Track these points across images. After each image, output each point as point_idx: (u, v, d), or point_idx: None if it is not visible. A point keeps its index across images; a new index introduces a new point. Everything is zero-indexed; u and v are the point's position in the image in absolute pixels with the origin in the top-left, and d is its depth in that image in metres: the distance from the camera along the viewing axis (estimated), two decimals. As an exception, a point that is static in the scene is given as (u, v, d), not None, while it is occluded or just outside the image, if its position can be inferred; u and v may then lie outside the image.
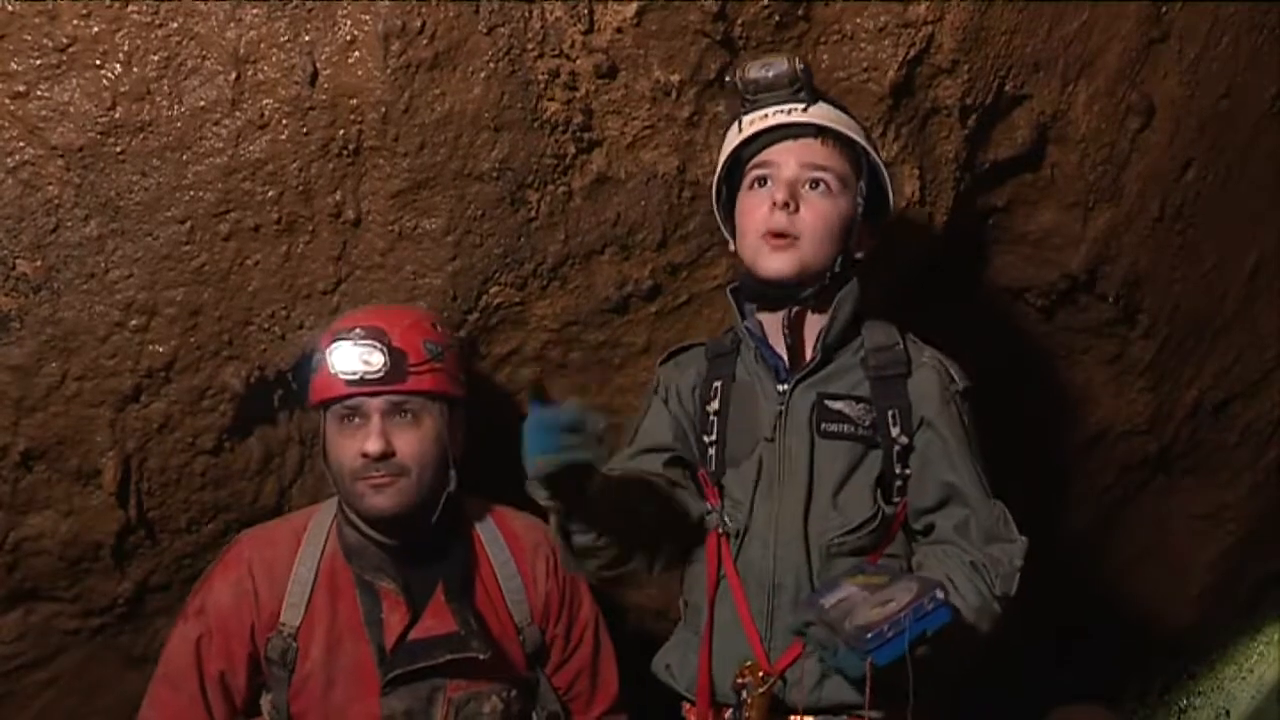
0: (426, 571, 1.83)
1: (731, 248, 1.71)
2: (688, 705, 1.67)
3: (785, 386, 1.64)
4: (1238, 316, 2.56)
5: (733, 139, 1.67)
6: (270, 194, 1.87)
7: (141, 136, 1.81)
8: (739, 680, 1.56)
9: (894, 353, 1.64)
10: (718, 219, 1.76)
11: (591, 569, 1.63)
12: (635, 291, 2.08)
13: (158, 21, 1.78)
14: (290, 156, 1.86)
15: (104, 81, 1.78)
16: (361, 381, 1.75)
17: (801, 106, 1.62)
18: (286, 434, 2.07)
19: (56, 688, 2.16)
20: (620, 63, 1.92)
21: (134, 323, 1.88)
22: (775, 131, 1.63)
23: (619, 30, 1.90)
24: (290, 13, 1.81)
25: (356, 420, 1.78)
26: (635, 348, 2.15)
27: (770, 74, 1.63)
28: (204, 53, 1.80)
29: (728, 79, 1.68)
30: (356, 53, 1.83)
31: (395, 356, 1.75)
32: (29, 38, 1.76)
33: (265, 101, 1.83)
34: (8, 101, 1.77)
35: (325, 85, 1.83)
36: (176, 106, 1.81)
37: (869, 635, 1.34)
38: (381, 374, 1.74)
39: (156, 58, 1.79)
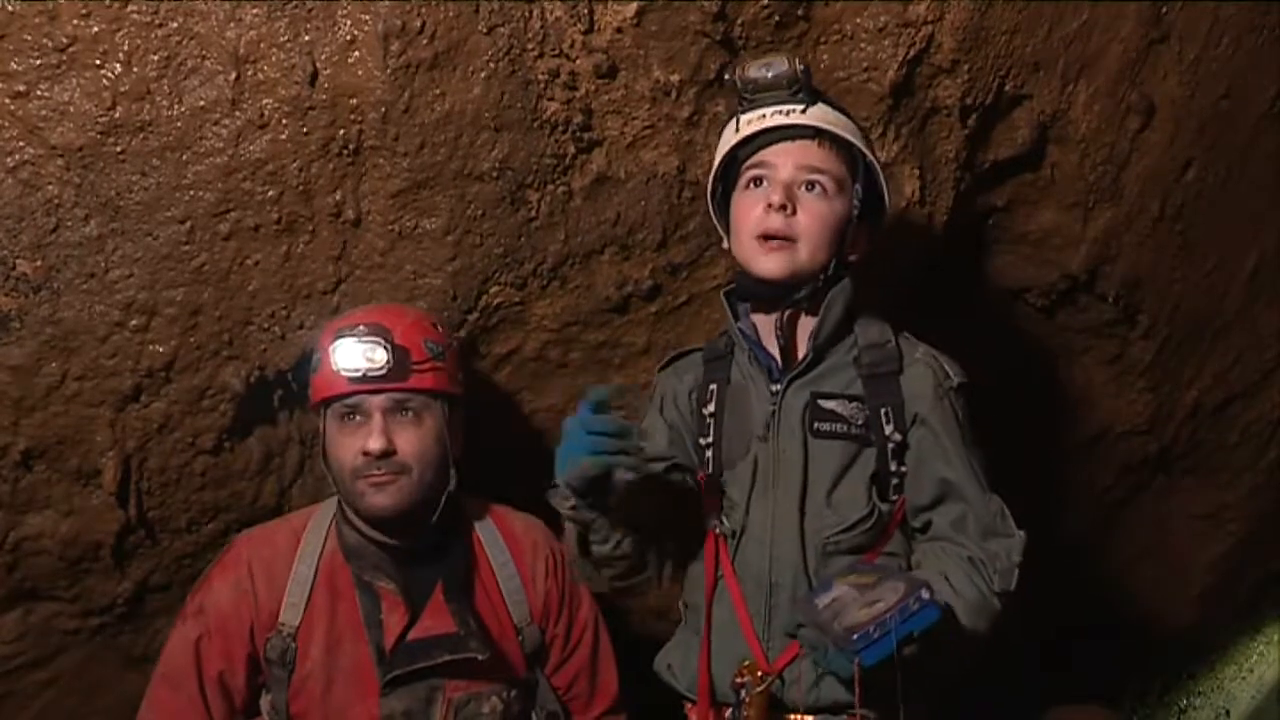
0: (426, 572, 1.83)
1: (726, 245, 1.72)
2: (689, 705, 1.68)
3: (778, 387, 1.64)
4: (1238, 317, 2.57)
5: (729, 138, 1.67)
6: (270, 194, 1.87)
7: (141, 136, 1.81)
8: (738, 680, 1.56)
9: (886, 350, 1.64)
10: (712, 217, 1.76)
11: (606, 579, 1.65)
12: (635, 291, 2.08)
13: (158, 21, 1.78)
14: (290, 156, 1.86)
15: (104, 81, 1.78)
16: (364, 379, 1.74)
17: (800, 108, 1.62)
18: (286, 434, 2.07)
19: (56, 688, 2.16)
20: (620, 63, 1.92)
21: (134, 323, 1.88)
22: (773, 132, 1.63)
23: (619, 30, 1.90)
24: (290, 13, 1.81)
25: (357, 418, 1.77)
26: (635, 348, 2.15)
27: (770, 74, 1.62)
28: (204, 53, 1.80)
29: (726, 77, 1.68)
30: (356, 52, 1.83)
31: (398, 354, 1.75)
32: (29, 38, 1.76)
33: (265, 101, 1.83)
34: (8, 101, 1.77)
35: (325, 85, 1.83)
36: (176, 106, 1.81)
37: (855, 637, 1.35)
38: (384, 371, 1.74)
39: (156, 58, 1.79)
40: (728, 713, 1.61)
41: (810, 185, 1.61)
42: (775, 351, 1.66)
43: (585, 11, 1.88)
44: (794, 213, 1.59)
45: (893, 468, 1.61)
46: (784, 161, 1.61)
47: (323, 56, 1.83)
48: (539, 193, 1.97)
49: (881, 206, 1.71)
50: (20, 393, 1.87)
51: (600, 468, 1.43)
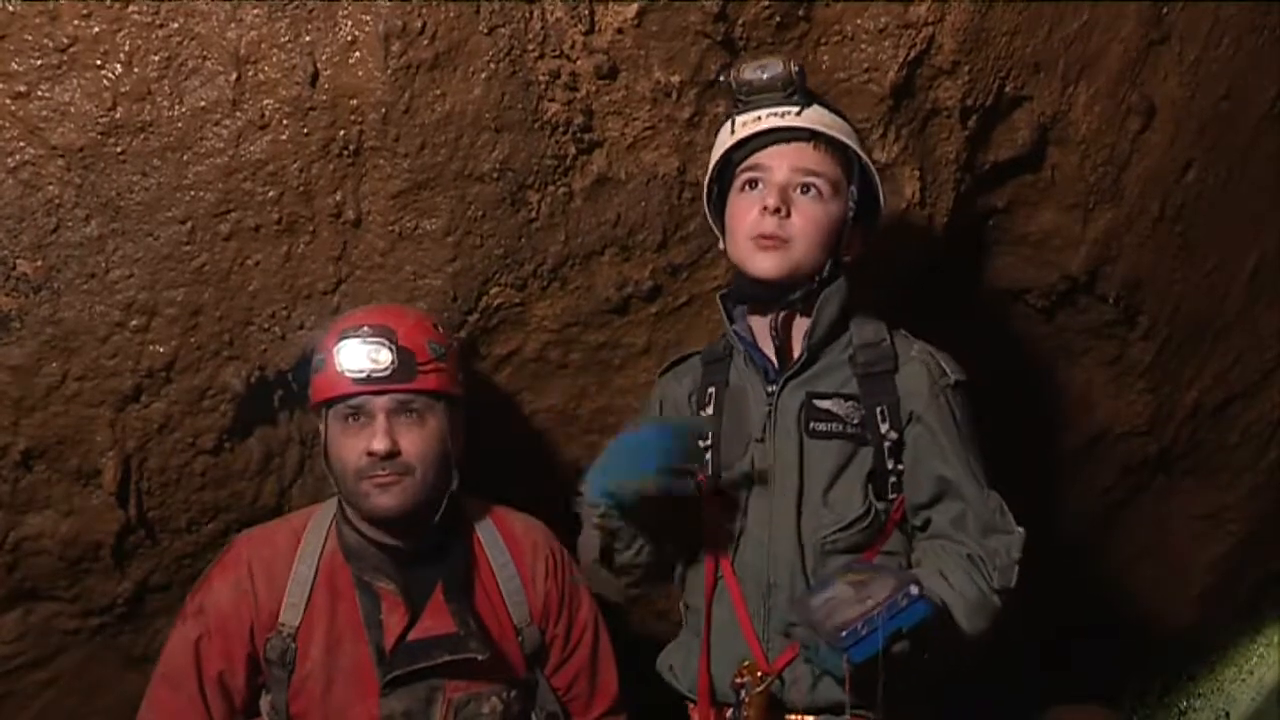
0: (425, 572, 1.83)
1: (722, 247, 1.72)
2: (691, 705, 1.69)
3: (774, 387, 1.65)
4: (1238, 318, 2.57)
5: (725, 140, 1.67)
6: (271, 194, 1.87)
7: (142, 136, 1.81)
8: (737, 680, 1.56)
9: (881, 349, 1.65)
10: (709, 218, 1.76)
11: (623, 585, 1.67)
12: (635, 292, 2.08)
13: (158, 22, 1.78)
14: (291, 157, 1.86)
15: (104, 82, 1.78)
16: (369, 380, 1.74)
17: (795, 110, 1.62)
18: (286, 434, 2.07)
19: (56, 688, 2.16)
20: (621, 63, 1.92)
21: (134, 323, 1.88)
22: (768, 135, 1.63)
23: (619, 31, 1.90)
24: (291, 13, 1.81)
25: (361, 419, 1.77)
26: (635, 348, 2.15)
27: (765, 76, 1.62)
28: (205, 53, 1.80)
29: (721, 79, 1.68)
30: (357, 53, 1.83)
31: (403, 355, 1.75)
32: (30, 38, 1.76)
33: (266, 102, 1.83)
34: (8, 101, 1.77)
35: (326, 86, 1.83)
36: (177, 107, 1.81)
37: (844, 633, 1.35)
38: (389, 372, 1.74)
39: (157, 58, 1.79)
40: (728, 713, 1.61)
41: (805, 188, 1.61)
42: (771, 353, 1.67)
43: (586, 12, 1.88)
44: (789, 215, 1.59)
45: (889, 466, 1.61)
46: (779, 164, 1.61)
47: (323, 57, 1.83)
48: (539, 194, 1.97)
49: (877, 207, 1.71)
50: (20, 393, 1.87)
51: (664, 488, 1.48)
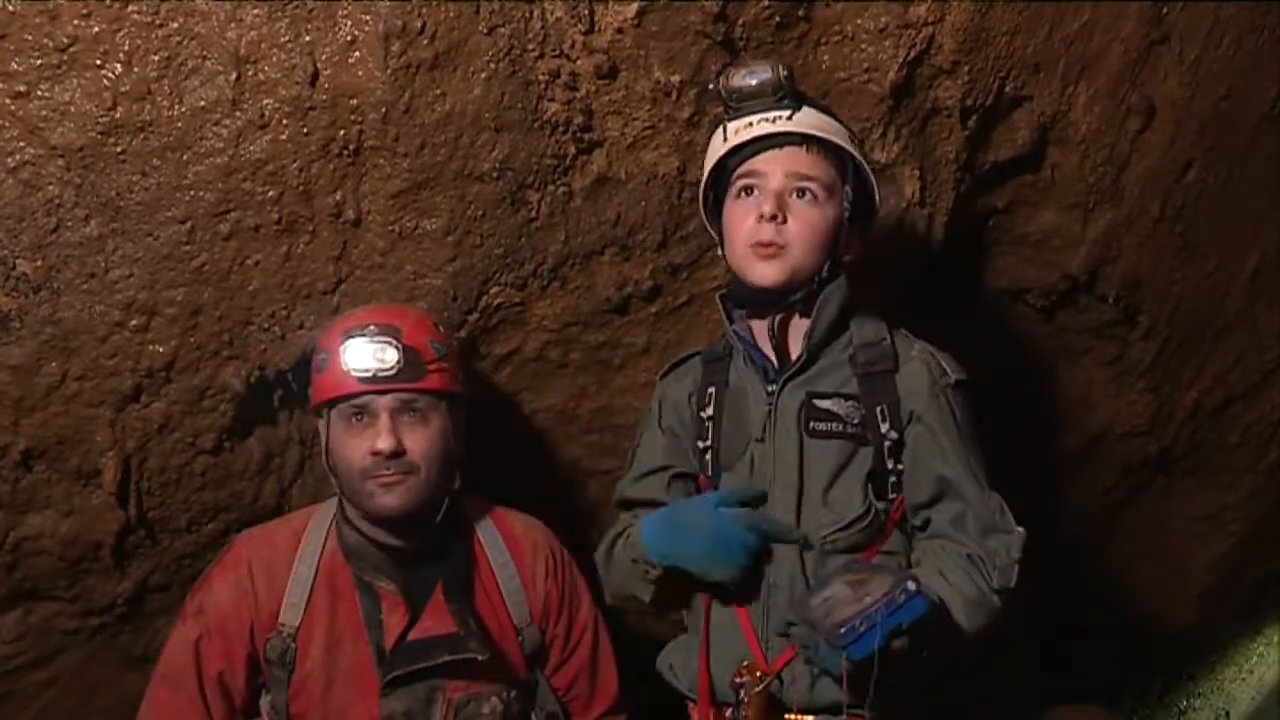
0: (426, 572, 1.83)
1: (720, 253, 1.72)
2: (691, 704, 1.69)
3: (774, 388, 1.65)
4: (1238, 318, 2.56)
5: (717, 148, 1.66)
6: (270, 194, 1.87)
7: (142, 136, 1.81)
8: (736, 680, 1.56)
9: (881, 348, 1.64)
10: (706, 225, 1.76)
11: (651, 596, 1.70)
12: (635, 292, 2.08)
13: (158, 21, 1.78)
14: (290, 156, 1.86)
15: (104, 81, 1.78)
16: (374, 379, 1.74)
17: (786, 114, 1.61)
18: (286, 434, 2.07)
19: (56, 688, 2.16)
20: (621, 63, 1.92)
21: (134, 323, 1.88)
22: (760, 141, 1.62)
23: (619, 31, 1.90)
24: (291, 13, 1.81)
25: (365, 419, 1.77)
26: (635, 348, 2.15)
27: (754, 82, 1.61)
28: (204, 53, 1.80)
29: (710, 86, 1.67)
30: (357, 53, 1.83)
31: (409, 354, 1.75)
32: (30, 38, 1.76)
33: (266, 101, 1.83)
34: (8, 101, 1.77)
35: (326, 85, 1.83)
36: (177, 106, 1.81)
37: (841, 631, 1.35)
38: (394, 371, 1.74)
39: (157, 58, 1.79)
40: (727, 712, 1.61)
41: (801, 192, 1.61)
42: (770, 353, 1.66)
43: (586, 12, 1.88)
44: (785, 221, 1.59)
45: (889, 466, 1.61)
46: (774, 170, 1.61)
47: (323, 57, 1.83)
48: (539, 193, 1.97)
49: (873, 207, 1.71)
50: (20, 393, 1.87)
51: (735, 581, 1.61)
